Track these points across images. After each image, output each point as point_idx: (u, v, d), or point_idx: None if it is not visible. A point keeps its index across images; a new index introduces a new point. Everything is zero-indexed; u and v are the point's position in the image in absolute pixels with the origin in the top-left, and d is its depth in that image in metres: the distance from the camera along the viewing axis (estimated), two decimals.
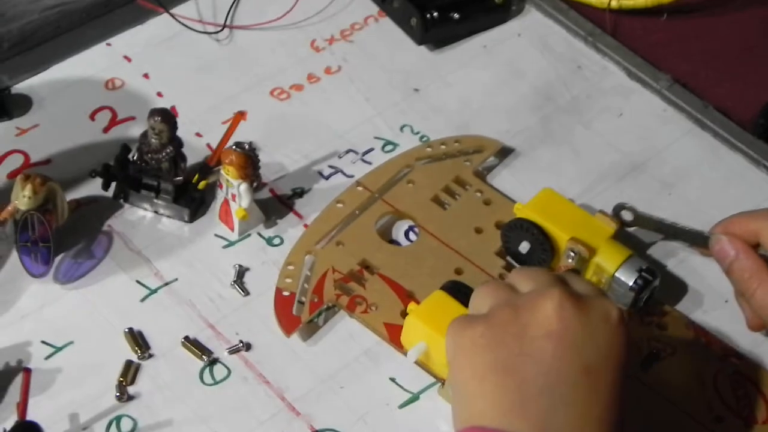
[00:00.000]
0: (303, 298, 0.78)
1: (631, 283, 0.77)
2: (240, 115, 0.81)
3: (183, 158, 0.81)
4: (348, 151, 0.90)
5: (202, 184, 0.81)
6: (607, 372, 0.61)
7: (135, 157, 0.81)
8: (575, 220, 0.80)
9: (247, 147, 0.79)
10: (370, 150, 0.90)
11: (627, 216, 0.74)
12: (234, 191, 0.80)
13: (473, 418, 0.59)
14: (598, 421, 0.59)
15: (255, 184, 0.81)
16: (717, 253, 0.75)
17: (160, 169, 0.81)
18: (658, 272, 0.79)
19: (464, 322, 0.65)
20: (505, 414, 0.58)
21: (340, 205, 0.84)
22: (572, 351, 0.61)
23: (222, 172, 0.80)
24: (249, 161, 0.79)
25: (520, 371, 0.59)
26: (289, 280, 0.79)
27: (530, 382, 0.59)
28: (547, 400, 0.58)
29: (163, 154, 0.80)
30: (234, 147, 0.79)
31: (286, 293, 0.78)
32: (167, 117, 0.79)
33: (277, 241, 0.83)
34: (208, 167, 0.83)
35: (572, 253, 0.78)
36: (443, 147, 0.89)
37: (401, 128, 0.92)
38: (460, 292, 0.75)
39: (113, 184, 0.81)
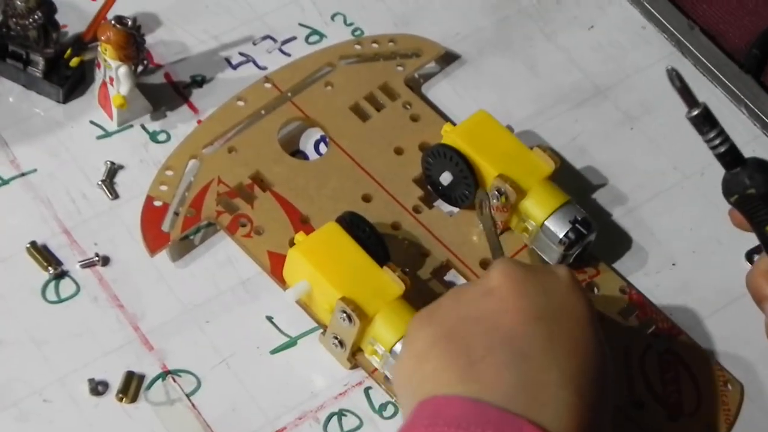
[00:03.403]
0: (179, 209, 0.66)
1: (561, 236, 0.66)
2: None
3: (55, 27, 0.68)
4: (265, 38, 0.77)
5: (74, 61, 0.69)
6: (562, 321, 0.55)
7: None
8: (508, 154, 0.68)
9: (129, 23, 0.67)
10: (292, 39, 0.77)
11: None
12: (112, 74, 0.67)
13: (424, 395, 0.53)
14: (560, 370, 0.53)
15: (140, 68, 0.69)
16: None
17: (28, 38, 0.68)
18: (596, 225, 0.67)
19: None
20: (455, 381, 0.53)
21: (240, 103, 0.71)
22: (519, 303, 0.55)
23: (99, 50, 0.67)
24: (130, 40, 0.66)
25: (462, 335, 0.54)
26: (164, 188, 0.67)
27: (476, 343, 0.53)
28: (500, 356, 0.53)
29: (30, 20, 0.67)
30: (113, 22, 0.66)
31: (158, 203, 0.66)
32: None
33: (162, 137, 0.71)
34: (82, 42, 0.70)
35: (497, 193, 0.66)
36: (375, 46, 0.76)
37: (332, 17, 0.79)
38: (357, 227, 0.64)
39: None
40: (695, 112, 0.58)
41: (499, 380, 0.52)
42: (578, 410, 0.52)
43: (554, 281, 0.57)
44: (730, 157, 0.59)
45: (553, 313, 0.55)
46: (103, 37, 0.66)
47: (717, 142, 0.58)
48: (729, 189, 0.60)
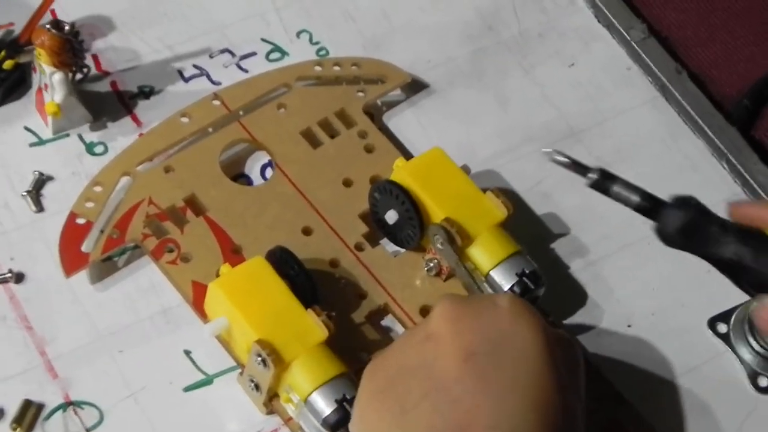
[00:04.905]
0: (105, 229, 0.63)
1: (506, 288, 0.62)
2: None
3: None
4: (223, 51, 0.73)
5: (8, 64, 0.65)
6: (500, 355, 0.52)
7: None
8: (459, 196, 0.63)
9: (66, 29, 0.63)
10: (251, 54, 0.73)
11: None
12: (47, 80, 0.64)
13: None
14: (492, 411, 0.50)
15: (79, 75, 0.65)
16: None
17: None
18: (545, 280, 0.63)
19: None
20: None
21: (184, 119, 0.68)
22: (453, 345, 0.52)
23: (35, 54, 0.64)
24: (65, 46, 0.63)
25: (399, 385, 0.52)
26: (90, 205, 0.63)
27: (411, 393, 0.52)
28: (431, 404, 0.51)
29: None
30: (48, 26, 0.62)
31: (81, 221, 0.63)
32: None
33: (99, 149, 0.67)
34: (18, 44, 0.66)
35: (441, 237, 0.62)
36: (336, 68, 0.72)
37: (298, 34, 0.75)
38: (286, 264, 0.60)
39: None
40: (595, 176, 0.54)
41: (429, 428, 0.50)
42: None
43: (494, 313, 0.53)
44: (647, 203, 0.54)
45: (489, 349, 0.52)
46: (37, 42, 0.62)
47: (626, 193, 0.54)
48: (666, 238, 0.55)
